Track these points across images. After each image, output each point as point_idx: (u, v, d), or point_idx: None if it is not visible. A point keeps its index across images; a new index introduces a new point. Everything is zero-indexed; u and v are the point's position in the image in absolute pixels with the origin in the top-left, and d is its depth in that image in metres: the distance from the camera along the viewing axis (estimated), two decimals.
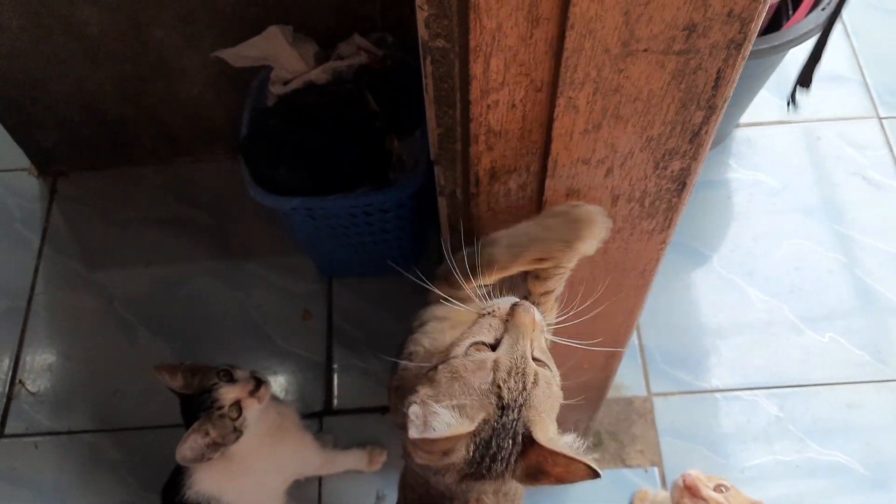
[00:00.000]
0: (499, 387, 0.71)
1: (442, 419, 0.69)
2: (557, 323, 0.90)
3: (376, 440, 1.72)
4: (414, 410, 0.70)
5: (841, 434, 1.73)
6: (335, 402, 1.80)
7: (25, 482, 1.74)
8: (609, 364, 1.22)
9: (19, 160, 2.09)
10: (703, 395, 1.79)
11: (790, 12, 1.75)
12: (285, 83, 1.66)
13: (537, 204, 0.84)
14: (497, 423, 0.70)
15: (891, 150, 2.06)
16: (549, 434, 0.71)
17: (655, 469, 1.72)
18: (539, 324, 0.77)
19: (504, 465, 0.71)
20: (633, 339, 1.86)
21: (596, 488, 1.70)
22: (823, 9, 1.60)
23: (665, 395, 1.79)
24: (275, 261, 1.98)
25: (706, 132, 0.73)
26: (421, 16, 0.77)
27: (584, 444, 0.72)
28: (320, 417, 1.79)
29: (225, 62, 1.74)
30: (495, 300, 0.79)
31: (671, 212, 0.86)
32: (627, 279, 0.98)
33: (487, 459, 0.71)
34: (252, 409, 1.37)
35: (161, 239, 2.01)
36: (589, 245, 0.81)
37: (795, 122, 2.11)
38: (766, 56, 1.67)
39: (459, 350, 0.74)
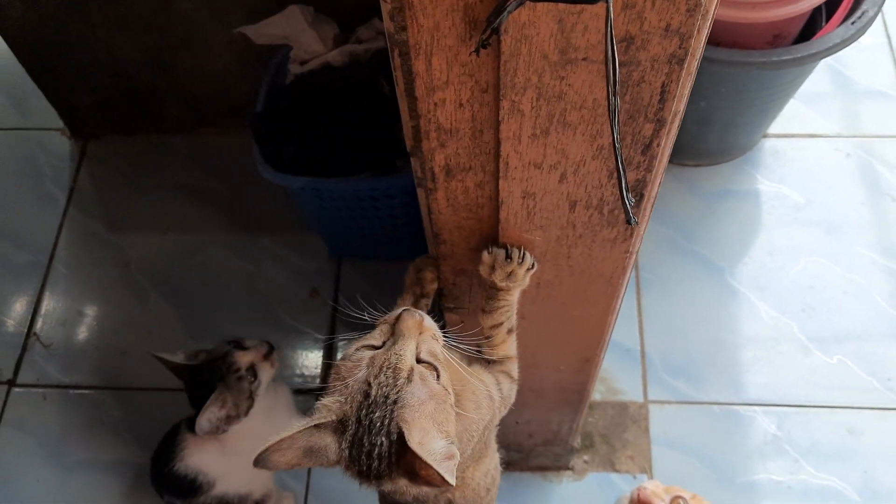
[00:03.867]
0: (368, 383, 0.72)
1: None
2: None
3: None
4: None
5: (838, 459, 1.69)
6: None
7: (32, 431, 1.82)
8: (584, 368, 1.21)
9: (53, 120, 2.16)
10: (700, 407, 1.76)
11: (823, 22, 1.70)
12: (303, 63, 1.67)
13: (496, 203, 0.84)
14: (365, 419, 0.71)
15: None
16: (420, 436, 0.71)
17: (644, 476, 1.70)
18: (428, 328, 0.80)
19: (382, 463, 0.72)
20: (636, 343, 1.84)
21: (583, 490, 1.70)
22: (853, 23, 1.54)
23: (662, 402, 1.78)
24: (287, 238, 2.01)
25: (658, 145, 0.72)
26: (385, 8, 0.77)
27: (452, 450, 0.73)
28: (317, 395, 1.81)
29: (250, 38, 1.76)
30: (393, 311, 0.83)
31: None
32: (594, 286, 0.97)
33: (364, 457, 0.72)
34: (266, 372, 1.41)
35: (180, 207, 2.06)
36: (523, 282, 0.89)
37: (826, 136, 2.05)
38: (794, 66, 1.62)
39: (349, 352, 0.78)
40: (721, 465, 1.70)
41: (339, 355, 0.92)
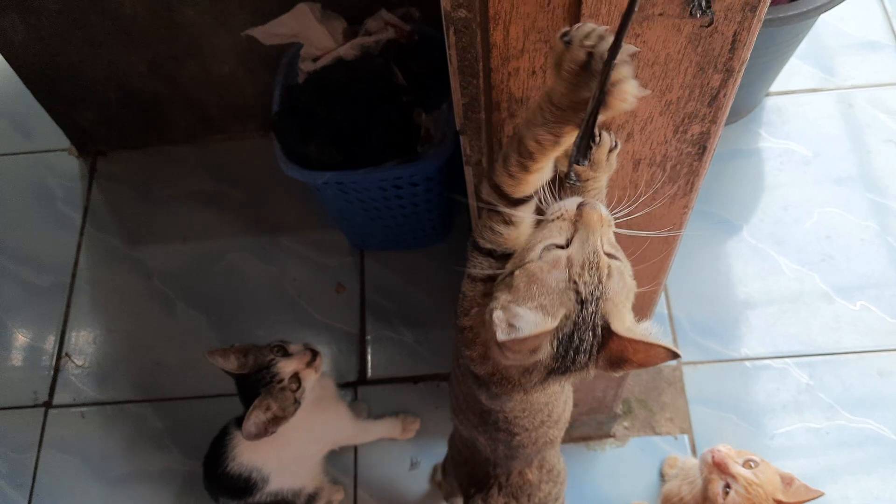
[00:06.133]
0: (575, 282, 0.72)
1: (526, 319, 0.71)
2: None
3: (409, 409, 1.77)
4: (497, 315, 0.71)
5: (871, 402, 1.73)
6: (369, 372, 1.85)
7: (74, 450, 1.82)
8: None
9: (59, 141, 2.16)
10: (732, 364, 1.80)
11: None
12: (315, 60, 1.68)
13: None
14: (577, 318, 0.72)
15: None
16: (625, 323, 0.72)
17: (685, 436, 1.73)
18: (606, 219, 0.77)
19: (587, 356, 0.73)
20: (663, 308, 1.87)
21: (626, 456, 1.72)
22: None
23: (694, 363, 1.81)
24: (307, 235, 2.02)
25: (724, 95, 0.74)
26: None
27: (659, 328, 0.74)
28: (355, 387, 1.83)
29: (255, 40, 1.77)
30: (560, 203, 0.78)
31: (692, 176, 0.87)
32: (651, 244, 0.99)
33: (571, 353, 0.73)
34: (310, 379, 1.41)
35: (196, 215, 2.07)
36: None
37: (827, 89, 2.09)
38: (796, 23, 1.65)
39: (534, 254, 0.75)
40: (759, 418, 1.74)
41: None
